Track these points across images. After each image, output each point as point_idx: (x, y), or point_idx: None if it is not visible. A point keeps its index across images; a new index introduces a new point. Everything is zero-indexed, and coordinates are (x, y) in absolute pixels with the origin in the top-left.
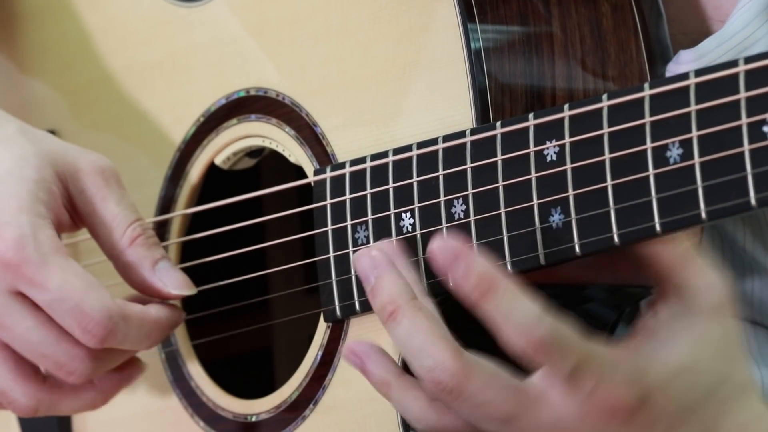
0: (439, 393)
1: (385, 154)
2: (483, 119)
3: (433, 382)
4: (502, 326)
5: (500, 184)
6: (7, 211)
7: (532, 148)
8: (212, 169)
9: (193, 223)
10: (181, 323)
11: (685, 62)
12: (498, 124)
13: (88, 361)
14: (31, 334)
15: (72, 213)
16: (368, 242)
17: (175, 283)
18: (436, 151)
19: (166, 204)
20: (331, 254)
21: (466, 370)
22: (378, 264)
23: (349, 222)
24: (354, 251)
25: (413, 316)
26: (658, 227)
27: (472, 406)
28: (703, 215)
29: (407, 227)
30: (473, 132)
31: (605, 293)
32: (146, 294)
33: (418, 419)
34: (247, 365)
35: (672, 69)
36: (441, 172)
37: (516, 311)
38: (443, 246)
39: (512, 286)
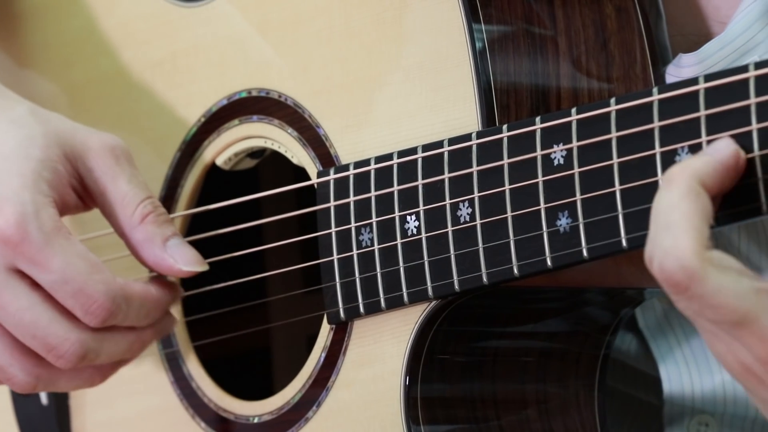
0: (664, 283)
1: (389, 157)
2: (489, 121)
3: (661, 269)
4: None
5: (507, 187)
6: (9, 187)
7: (539, 152)
8: (212, 170)
9: (194, 223)
10: (179, 300)
11: (686, 66)
12: (504, 127)
13: (77, 346)
14: (23, 314)
15: (82, 193)
16: (372, 245)
17: (185, 259)
18: (442, 154)
19: (166, 204)
20: (335, 256)
21: (703, 269)
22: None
23: (353, 224)
24: (358, 254)
25: (685, 191)
26: None
27: (701, 306)
28: (712, 221)
29: (412, 230)
30: (479, 135)
31: (604, 297)
32: (157, 271)
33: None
34: (247, 366)
35: (672, 72)
36: (446, 175)
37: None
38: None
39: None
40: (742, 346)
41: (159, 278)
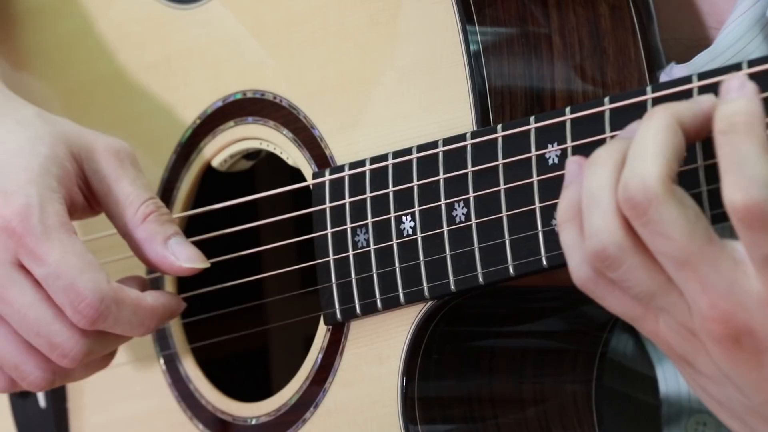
0: (624, 204)
1: (384, 157)
2: (483, 121)
3: (625, 188)
4: (729, 168)
5: (501, 187)
6: (17, 182)
7: (533, 152)
8: (208, 172)
9: (190, 225)
10: (180, 312)
11: (677, 77)
12: (499, 127)
13: (82, 344)
14: (28, 310)
15: (88, 194)
16: (368, 245)
17: (186, 256)
18: (437, 155)
19: None
20: (331, 257)
21: (664, 195)
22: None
23: (348, 225)
24: (354, 254)
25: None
26: None
27: (653, 233)
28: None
29: (408, 230)
30: (474, 135)
31: None
32: (159, 270)
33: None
34: (245, 367)
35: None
36: (441, 176)
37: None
38: None
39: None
40: (681, 300)
41: (160, 291)
